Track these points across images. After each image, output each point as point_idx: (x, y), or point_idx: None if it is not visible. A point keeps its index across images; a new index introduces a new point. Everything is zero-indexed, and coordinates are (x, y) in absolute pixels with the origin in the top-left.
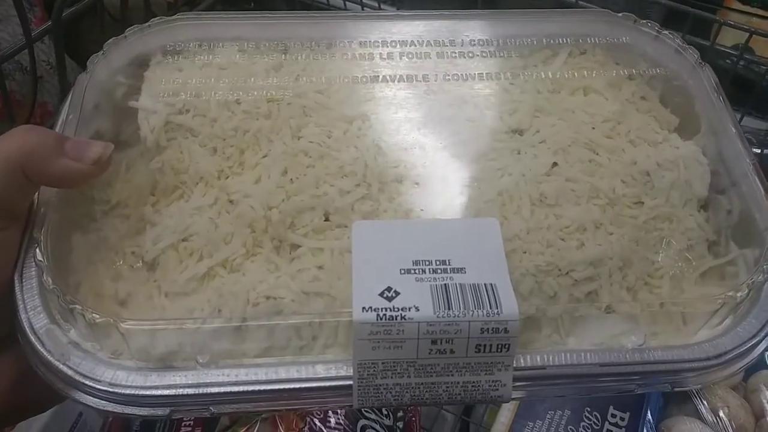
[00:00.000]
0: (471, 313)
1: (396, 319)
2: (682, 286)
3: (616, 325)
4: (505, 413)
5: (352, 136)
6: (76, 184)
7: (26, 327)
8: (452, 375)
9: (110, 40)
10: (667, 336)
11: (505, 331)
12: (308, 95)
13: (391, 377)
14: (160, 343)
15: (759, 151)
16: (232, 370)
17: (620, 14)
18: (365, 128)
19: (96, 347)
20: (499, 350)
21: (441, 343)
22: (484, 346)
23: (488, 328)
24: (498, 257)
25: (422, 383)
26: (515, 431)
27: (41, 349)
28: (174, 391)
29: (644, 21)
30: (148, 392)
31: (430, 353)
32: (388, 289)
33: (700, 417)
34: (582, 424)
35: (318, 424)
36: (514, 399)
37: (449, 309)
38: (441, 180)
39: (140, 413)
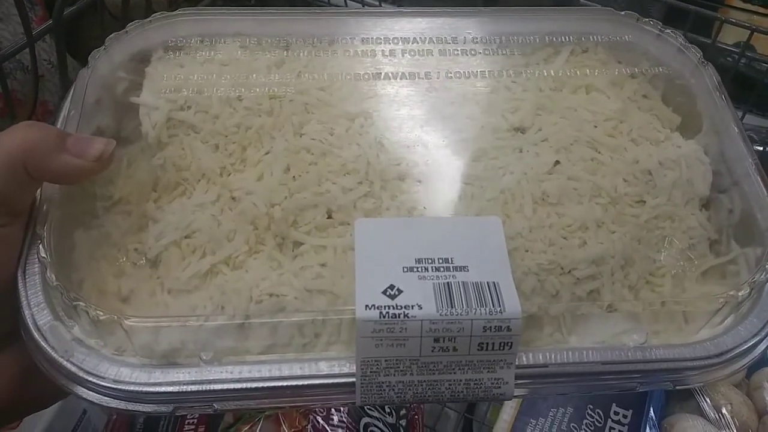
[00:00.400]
0: (474, 311)
1: (399, 316)
2: (684, 285)
3: (618, 324)
4: (508, 411)
5: (354, 134)
6: (78, 181)
7: (30, 323)
8: (455, 373)
9: (111, 35)
10: (669, 335)
11: (508, 329)
12: (310, 92)
13: (394, 375)
14: (164, 339)
15: (761, 148)
16: (236, 367)
17: (623, 12)
18: (367, 125)
19: (100, 344)
20: (501, 348)
21: (444, 341)
22: (487, 344)
23: (491, 327)
24: (500, 255)
25: (425, 381)
26: (518, 429)
27: (45, 346)
28: (177, 387)
29: (647, 19)
30: (151, 389)
31: (432, 351)
32: (391, 287)
33: (702, 414)
34: (585, 421)
35: (321, 421)
36: (516, 397)
37: (452, 307)
38: (443, 178)
39: (144, 410)
